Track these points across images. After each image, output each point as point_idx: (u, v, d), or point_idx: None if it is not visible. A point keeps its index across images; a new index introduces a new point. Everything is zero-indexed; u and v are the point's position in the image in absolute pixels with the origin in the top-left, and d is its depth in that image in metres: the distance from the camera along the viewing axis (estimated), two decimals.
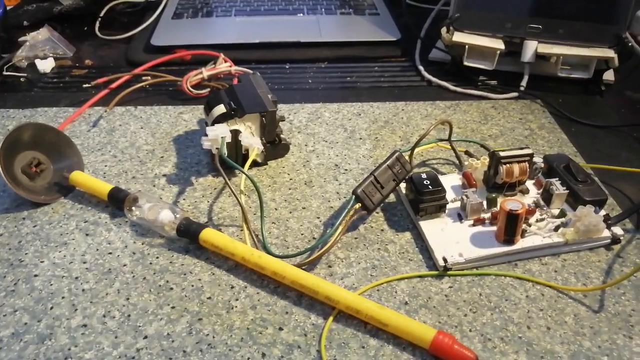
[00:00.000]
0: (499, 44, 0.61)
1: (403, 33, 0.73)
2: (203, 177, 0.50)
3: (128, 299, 0.39)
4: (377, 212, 0.46)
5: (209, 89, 0.62)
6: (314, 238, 0.44)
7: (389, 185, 0.43)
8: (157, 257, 0.42)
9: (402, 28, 0.74)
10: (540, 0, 0.61)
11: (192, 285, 0.40)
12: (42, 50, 0.70)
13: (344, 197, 0.48)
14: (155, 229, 0.43)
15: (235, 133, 0.48)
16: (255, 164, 0.51)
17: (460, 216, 0.44)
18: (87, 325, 0.37)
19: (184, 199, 0.48)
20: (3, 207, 0.47)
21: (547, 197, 0.44)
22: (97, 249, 0.43)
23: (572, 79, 0.62)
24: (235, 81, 0.62)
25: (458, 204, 0.45)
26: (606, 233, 0.42)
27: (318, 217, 0.46)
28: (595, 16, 0.60)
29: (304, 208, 0.47)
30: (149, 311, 0.38)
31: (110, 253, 0.42)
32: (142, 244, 0.43)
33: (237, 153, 0.49)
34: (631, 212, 0.45)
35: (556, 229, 0.42)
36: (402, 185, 0.46)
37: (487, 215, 0.43)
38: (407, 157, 0.46)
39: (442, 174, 0.49)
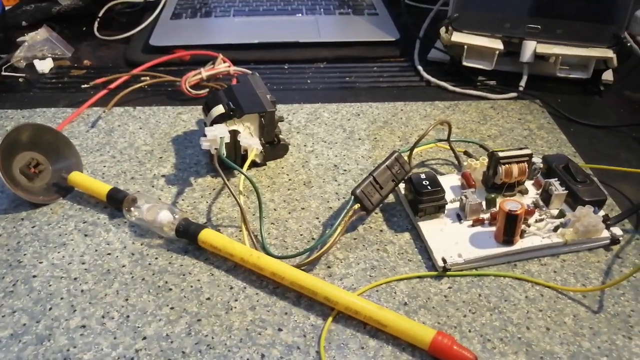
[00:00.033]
0: (497, 44, 0.61)
1: (402, 33, 0.73)
2: (202, 177, 0.50)
3: (127, 299, 0.39)
4: (376, 213, 0.46)
5: (207, 90, 0.61)
6: (313, 239, 0.44)
7: (388, 185, 0.43)
8: (156, 258, 0.42)
9: (401, 28, 0.74)
10: (539, 0, 0.61)
11: (191, 286, 0.40)
12: (40, 51, 0.70)
13: (343, 198, 0.48)
14: (154, 230, 0.43)
15: (234, 133, 0.48)
16: (254, 164, 0.51)
17: (459, 217, 0.44)
18: (86, 326, 0.37)
19: (182, 200, 0.48)
20: (1, 207, 0.47)
21: (546, 197, 0.44)
22: (96, 250, 0.43)
23: (571, 79, 0.62)
24: (234, 81, 0.62)
25: (457, 204, 0.45)
26: (605, 233, 0.42)
27: (317, 218, 0.46)
28: (594, 16, 0.60)
29: (303, 209, 0.47)
30: (147, 312, 0.38)
31: (109, 254, 0.42)
32: (141, 244, 0.43)
33: (236, 153, 0.49)
34: (630, 212, 0.45)
35: (555, 229, 0.42)
36: (401, 185, 0.46)
37: (486, 216, 0.43)
38: (406, 158, 0.46)
39: (441, 174, 0.49)
